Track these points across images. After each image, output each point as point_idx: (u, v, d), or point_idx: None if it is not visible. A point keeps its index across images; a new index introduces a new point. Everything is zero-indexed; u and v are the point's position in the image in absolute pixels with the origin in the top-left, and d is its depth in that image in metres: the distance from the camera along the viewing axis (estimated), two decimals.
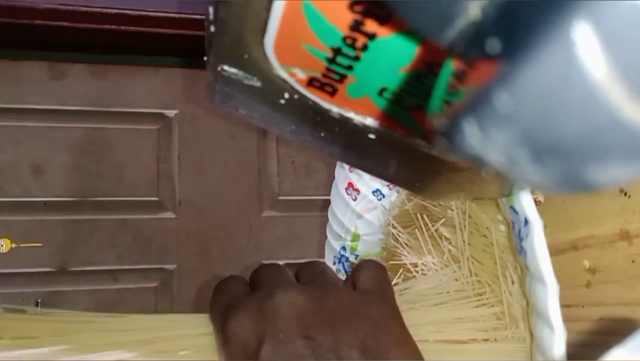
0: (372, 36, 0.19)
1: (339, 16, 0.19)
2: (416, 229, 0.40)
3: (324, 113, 0.24)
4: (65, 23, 0.90)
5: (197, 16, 0.92)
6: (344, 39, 0.20)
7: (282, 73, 0.22)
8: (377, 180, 0.45)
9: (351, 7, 0.18)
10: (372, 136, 0.25)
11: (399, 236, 0.41)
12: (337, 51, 0.20)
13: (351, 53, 0.20)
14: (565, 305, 0.26)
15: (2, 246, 0.92)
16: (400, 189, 0.44)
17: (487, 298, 0.33)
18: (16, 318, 0.27)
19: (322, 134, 0.26)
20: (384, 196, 0.46)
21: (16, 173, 0.94)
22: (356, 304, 0.26)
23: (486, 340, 0.32)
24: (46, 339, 0.26)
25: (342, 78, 0.22)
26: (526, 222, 0.26)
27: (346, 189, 0.47)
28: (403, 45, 0.20)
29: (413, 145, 0.25)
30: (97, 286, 0.94)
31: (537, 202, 0.34)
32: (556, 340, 0.25)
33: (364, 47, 0.20)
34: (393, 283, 0.34)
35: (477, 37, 0.13)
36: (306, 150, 1.01)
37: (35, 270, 0.93)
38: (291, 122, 0.26)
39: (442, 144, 0.14)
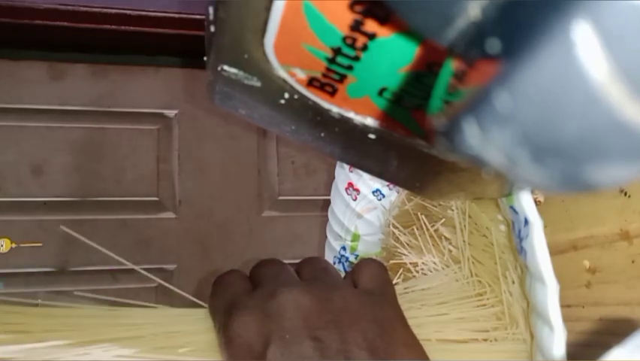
0: (372, 36, 0.19)
1: (339, 16, 0.19)
2: (416, 229, 0.40)
3: (324, 113, 0.24)
4: (65, 23, 0.90)
5: (197, 16, 0.92)
6: (344, 39, 0.19)
7: (282, 73, 0.22)
8: (377, 180, 0.45)
9: (351, 7, 0.18)
10: (372, 136, 0.25)
11: (399, 235, 0.41)
12: (337, 51, 0.20)
13: (351, 53, 0.20)
14: (565, 305, 0.26)
15: (2, 246, 0.92)
16: (400, 189, 0.44)
17: (488, 299, 0.33)
18: (15, 311, 0.26)
19: (322, 135, 0.26)
20: (384, 196, 0.46)
21: (16, 173, 0.94)
22: (362, 304, 0.25)
23: (486, 340, 0.32)
24: (41, 335, 0.25)
25: (342, 78, 0.22)
26: (526, 222, 0.26)
27: (346, 189, 0.47)
28: (403, 45, 0.20)
29: (413, 145, 0.25)
30: (97, 286, 0.94)
31: (537, 202, 0.34)
32: (556, 340, 0.25)
33: (364, 47, 0.20)
34: (393, 282, 0.34)
35: (477, 37, 0.12)
36: (306, 150, 1.01)
37: (35, 270, 0.93)
38: (291, 122, 0.26)
39: (442, 144, 0.14)
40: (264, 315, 0.24)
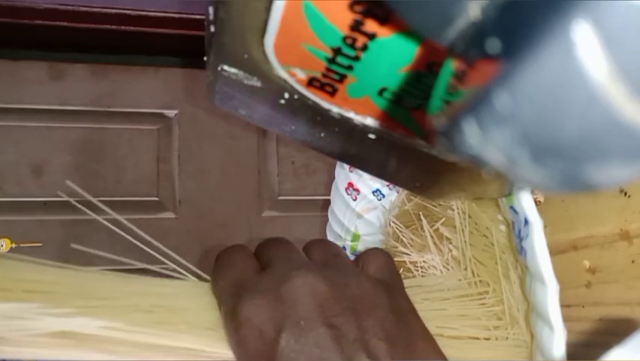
0: (372, 36, 0.19)
1: (339, 16, 0.19)
2: (416, 229, 0.40)
3: (324, 113, 0.24)
4: (65, 23, 0.90)
5: (197, 16, 0.92)
6: (344, 39, 0.19)
7: (282, 73, 0.22)
8: (377, 180, 0.45)
9: (351, 7, 0.18)
10: (372, 136, 0.25)
11: (400, 234, 0.41)
12: (337, 51, 0.20)
13: (351, 53, 0.20)
14: (565, 305, 0.26)
15: (2, 246, 0.92)
16: (400, 189, 0.44)
17: (489, 298, 0.33)
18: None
19: (322, 135, 0.26)
20: (384, 196, 0.46)
21: (16, 173, 0.94)
22: (378, 292, 0.24)
23: (487, 339, 0.32)
24: (20, 294, 0.23)
25: (342, 78, 0.22)
26: (526, 222, 0.26)
27: (346, 189, 0.47)
28: (402, 45, 0.20)
29: (413, 145, 0.25)
30: None
31: (537, 202, 0.34)
32: (556, 340, 0.25)
33: (364, 47, 0.20)
34: None
35: (477, 37, 0.12)
36: (306, 150, 1.01)
37: None
38: (291, 122, 0.26)
39: (442, 143, 0.14)
40: (276, 299, 0.23)
